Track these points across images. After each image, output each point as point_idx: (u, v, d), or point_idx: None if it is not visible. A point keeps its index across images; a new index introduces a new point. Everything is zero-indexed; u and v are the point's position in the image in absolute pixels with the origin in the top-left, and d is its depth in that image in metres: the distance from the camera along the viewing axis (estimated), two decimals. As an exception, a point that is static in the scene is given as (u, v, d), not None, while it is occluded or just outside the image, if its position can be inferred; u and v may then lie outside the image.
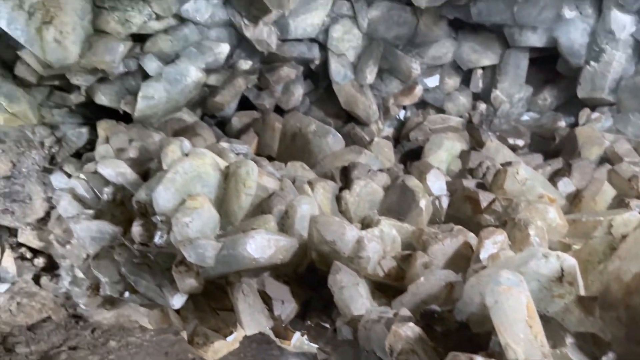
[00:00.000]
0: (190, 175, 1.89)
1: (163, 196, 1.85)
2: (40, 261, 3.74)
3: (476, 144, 3.31)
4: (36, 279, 3.79)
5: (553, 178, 2.63)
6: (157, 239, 1.80)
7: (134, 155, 2.30)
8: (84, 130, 3.28)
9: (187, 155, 1.98)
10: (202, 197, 1.85)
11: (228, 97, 3.24)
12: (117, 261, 1.94)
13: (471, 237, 1.94)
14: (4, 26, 2.56)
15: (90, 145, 3.43)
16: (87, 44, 2.78)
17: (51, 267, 3.85)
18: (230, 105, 3.36)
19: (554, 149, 3.24)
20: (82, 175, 2.19)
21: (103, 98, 3.04)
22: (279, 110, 3.52)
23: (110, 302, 2.12)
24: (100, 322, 4.15)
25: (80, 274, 3.36)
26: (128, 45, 2.88)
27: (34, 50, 2.63)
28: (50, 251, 3.69)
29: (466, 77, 3.68)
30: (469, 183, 2.35)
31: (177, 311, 1.96)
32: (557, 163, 2.81)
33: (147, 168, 2.12)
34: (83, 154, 3.35)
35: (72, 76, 2.90)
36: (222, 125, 3.39)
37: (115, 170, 2.06)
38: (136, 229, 1.86)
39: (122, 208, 2.06)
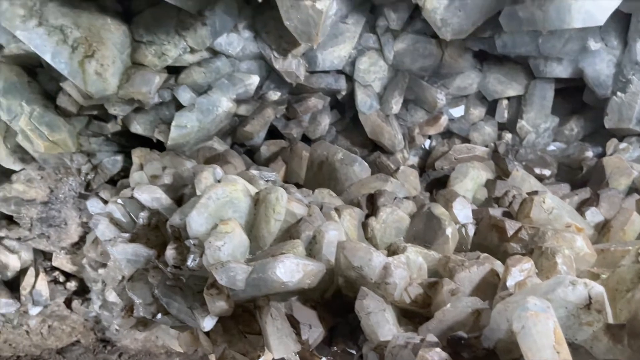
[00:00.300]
0: (223, 200, 1.96)
1: (196, 220, 1.91)
2: (72, 285, 3.84)
3: (502, 173, 3.32)
4: (67, 303, 3.89)
5: (580, 208, 2.62)
6: (190, 262, 1.86)
7: (168, 182, 2.39)
8: (119, 158, 3.41)
9: (219, 181, 2.06)
10: (233, 222, 1.91)
11: (257, 126, 3.34)
12: (150, 283, 2.00)
13: (498, 265, 1.94)
14: (48, 59, 2.71)
15: (125, 172, 3.56)
16: (125, 76, 2.92)
17: (82, 291, 3.95)
18: (259, 134, 3.46)
19: (581, 179, 3.23)
20: (119, 200, 2.29)
21: (138, 127, 3.17)
22: (306, 139, 3.60)
23: (144, 324, 2.17)
24: (128, 347, 4.21)
25: (110, 298, 3.44)
26: (163, 77, 3.01)
27: (76, 82, 2.77)
28: (82, 275, 3.79)
29: (491, 107, 3.71)
30: (495, 211, 2.36)
31: (207, 334, 2.00)
32: (585, 193, 2.79)
33: (181, 194, 2.20)
34: (117, 180, 3.48)
35: (110, 106, 3.04)
36: (251, 154, 3.48)
37: (151, 195, 2.15)
38: (170, 252, 1.92)
39: (156, 232, 2.13)
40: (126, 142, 3.42)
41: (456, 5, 2.97)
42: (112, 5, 2.88)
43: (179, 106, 3.18)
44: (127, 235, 2.14)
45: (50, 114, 3.02)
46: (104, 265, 3.51)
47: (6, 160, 3.21)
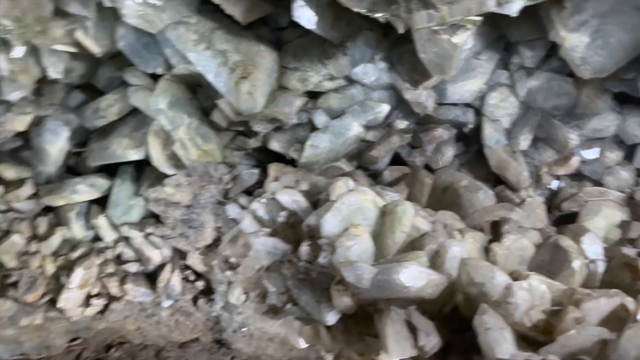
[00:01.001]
0: (354, 207, 2.13)
1: (330, 222, 2.10)
2: (200, 284, 4.22)
3: (639, 220, 3.13)
4: (194, 300, 4.27)
5: None
6: (321, 259, 2.03)
7: (305, 189, 2.62)
8: (255, 171, 3.76)
9: (351, 190, 2.24)
10: (363, 227, 2.06)
11: (383, 152, 3.51)
12: (284, 275, 2.20)
13: (629, 302, 1.87)
14: (211, 78, 3.14)
15: (259, 184, 3.91)
16: (271, 97, 3.27)
17: (208, 291, 4.32)
18: (383, 159, 3.62)
19: None
20: (262, 200, 2.56)
21: (276, 144, 3.50)
22: (428, 169, 3.69)
23: (274, 311, 2.38)
24: (241, 351, 4.47)
25: (232, 300, 3.74)
26: (303, 100, 3.31)
27: (231, 99, 3.16)
28: (210, 276, 4.16)
29: (630, 151, 3.54)
30: (629, 251, 2.27)
31: (329, 329, 2.14)
32: None
33: (317, 199, 2.42)
34: (251, 192, 3.83)
35: (254, 124, 3.40)
36: (374, 177, 3.65)
37: (291, 197, 2.38)
38: (304, 248, 2.11)
39: (293, 230, 2.35)
40: (263, 157, 3.76)
41: (598, 44, 2.94)
42: (267, 34, 3.27)
43: (313, 128, 3.46)
44: (267, 230, 2.39)
45: (205, 127, 3.45)
46: (232, 268, 3.84)
47: (163, 165, 3.69)
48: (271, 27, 3.32)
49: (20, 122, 3.60)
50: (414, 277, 1.87)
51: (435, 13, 2.43)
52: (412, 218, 2.13)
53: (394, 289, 1.88)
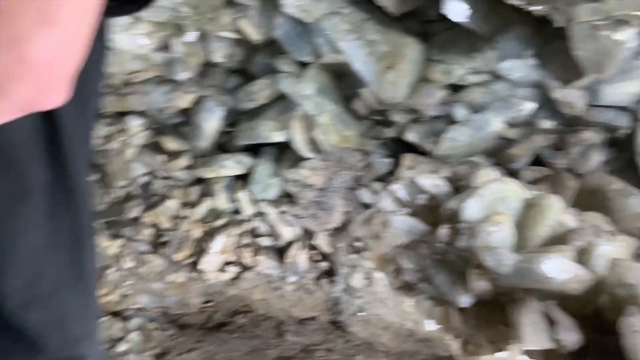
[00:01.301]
0: (497, 195, 2.14)
1: (472, 207, 2.13)
2: (324, 264, 4.43)
3: None
4: (317, 279, 4.49)
5: None
6: (460, 242, 2.08)
7: (446, 175, 2.67)
8: (387, 161, 3.86)
9: (496, 179, 2.24)
10: (506, 216, 2.07)
11: (523, 150, 3.42)
12: (421, 254, 2.28)
13: None
14: (358, 67, 3.30)
15: (390, 174, 4.01)
16: (412, 88, 3.35)
17: (330, 273, 4.51)
18: (523, 159, 3.52)
19: None
20: (402, 182, 2.66)
21: (412, 135, 3.56)
22: (570, 172, 3.52)
23: (408, 288, 2.47)
24: (355, 335, 4.61)
25: (353, 283, 3.89)
26: (445, 92, 3.35)
27: (375, 88, 3.29)
28: (334, 258, 4.35)
29: None
30: None
31: (461, 312, 2.18)
32: None
33: (458, 185, 2.46)
34: (382, 180, 3.94)
35: (393, 114, 3.50)
36: (511, 177, 3.56)
37: (432, 181, 2.45)
38: (443, 230, 2.17)
39: (432, 213, 2.42)
40: (396, 148, 3.85)
41: None
42: (415, 27, 3.35)
43: (452, 121, 3.47)
44: (407, 210, 2.48)
45: (346, 114, 3.63)
46: (357, 252, 3.99)
47: (303, 149, 3.93)
48: (420, 19, 3.40)
49: (184, 100, 4.07)
50: (559, 268, 1.84)
51: (600, 6, 2.34)
52: (558, 213, 2.08)
53: (535, 278, 1.86)
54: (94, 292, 1.00)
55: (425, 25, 3.38)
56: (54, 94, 0.67)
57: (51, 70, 0.63)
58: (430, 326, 2.45)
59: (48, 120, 0.80)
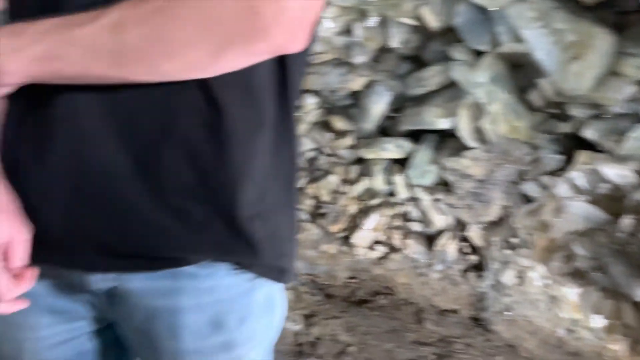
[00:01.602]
0: (696, 191, 1.98)
1: (665, 199, 2.00)
2: (473, 258, 4.39)
3: None
4: (464, 272, 4.46)
5: None
6: (647, 233, 1.97)
7: (635, 168, 2.52)
8: (557, 157, 3.69)
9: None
10: None
11: None
12: (597, 242, 2.20)
13: None
14: (540, 56, 3.21)
15: (559, 171, 3.83)
16: (599, 81, 3.17)
17: (479, 267, 4.45)
18: None
19: None
20: (582, 170, 2.57)
21: (591, 132, 3.36)
22: None
23: (579, 276, 2.40)
24: (498, 335, 4.49)
25: (504, 280, 3.81)
26: (635, 89, 3.12)
27: (556, 78, 3.19)
28: (485, 252, 4.29)
29: None
30: None
31: (636, 307, 2.06)
32: None
33: (647, 179, 2.32)
34: (551, 174, 3.77)
35: (572, 108, 3.35)
36: None
37: (618, 172, 2.34)
38: (626, 221, 2.07)
39: (615, 202, 2.31)
40: (568, 144, 3.67)
41: None
42: (609, 17, 3.17)
43: (639, 120, 3.22)
44: (586, 197, 2.40)
45: (520, 105, 3.55)
46: (511, 248, 3.90)
47: (468, 137, 3.94)
48: (615, 10, 3.20)
49: (357, 83, 4.31)
50: None
51: None
52: None
53: None
54: (296, 218, 1.10)
55: (620, 16, 3.17)
56: (299, 39, 0.73)
57: (303, 16, 0.70)
58: (596, 322, 2.33)
59: (281, 64, 0.90)
